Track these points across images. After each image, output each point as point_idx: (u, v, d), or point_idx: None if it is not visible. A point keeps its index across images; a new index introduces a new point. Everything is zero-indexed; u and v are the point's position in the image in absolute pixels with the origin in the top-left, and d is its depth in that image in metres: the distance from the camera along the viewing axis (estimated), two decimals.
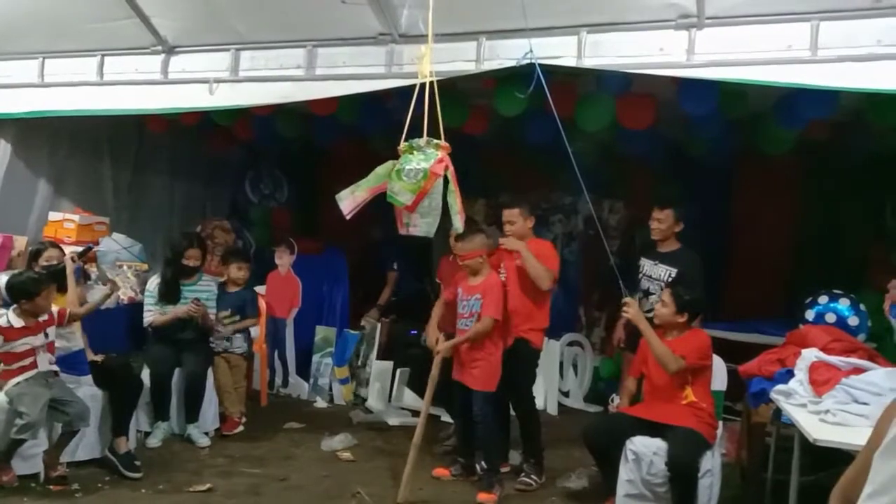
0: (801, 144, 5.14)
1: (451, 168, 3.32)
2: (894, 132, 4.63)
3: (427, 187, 3.25)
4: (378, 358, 6.20)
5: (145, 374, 4.82)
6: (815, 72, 3.52)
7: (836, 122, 4.71)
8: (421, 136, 3.33)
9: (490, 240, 4.55)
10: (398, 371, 5.93)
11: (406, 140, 3.39)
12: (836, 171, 5.95)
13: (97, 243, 5.32)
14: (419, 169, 3.23)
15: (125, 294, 5.21)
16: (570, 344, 6.60)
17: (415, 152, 3.33)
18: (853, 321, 4.40)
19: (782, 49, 3.56)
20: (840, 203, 6.03)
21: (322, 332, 6.40)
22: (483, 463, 4.39)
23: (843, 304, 4.46)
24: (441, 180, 3.30)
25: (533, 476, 4.47)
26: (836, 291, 4.57)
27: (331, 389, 6.27)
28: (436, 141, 3.30)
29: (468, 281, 4.39)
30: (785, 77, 3.60)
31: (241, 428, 5.22)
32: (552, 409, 6.18)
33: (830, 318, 4.42)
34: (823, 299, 4.53)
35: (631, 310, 4.01)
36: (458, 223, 3.45)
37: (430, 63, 3.31)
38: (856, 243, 5.94)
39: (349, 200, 3.37)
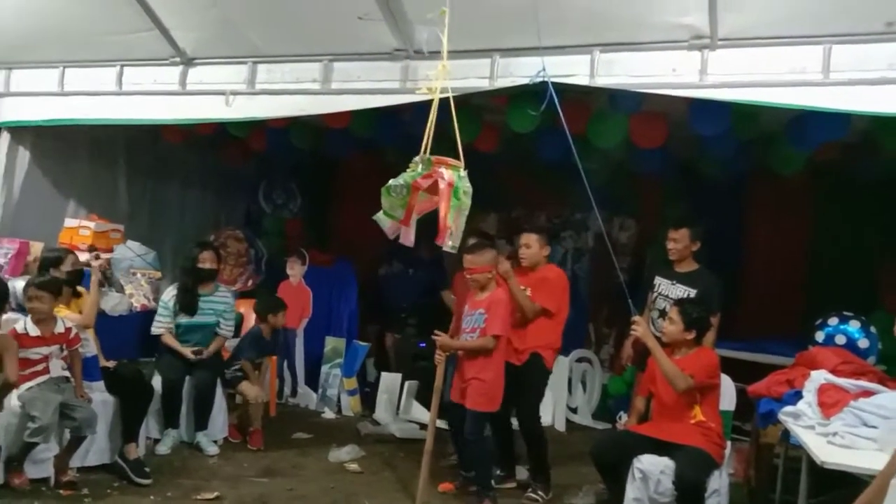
0: (812, 165, 5.15)
1: (443, 184, 3.28)
2: None
3: (412, 202, 3.27)
4: (386, 371, 6.24)
5: (156, 382, 4.85)
6: (827, 94, 3.54)
7: (847, 143, 4.71)
8: (442, 151, 3.36)
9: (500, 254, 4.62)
10: (406, 383, 5.94)
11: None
12: (848, 192, 5.94)
13: (111, 250, 5.38)
14: (403, 184, 3.26)
15: (138, 301, 5.25)
16: (579, 360, 6.61)
17: (409, 168, 3.37)
18: (863, 343, 4.38)
19: (795, 71, 3.58)
20: (851, 224, 6.02)
21: (331, 343, 6.43)
22: (476, 480, 4.38)
23: (854, 326, 4.45)
24: (453, 197, 3.29)
25: (539, 492, 4.47)
26: (846, 313, 4.55)
27: (339, 400, 6.30)
28: (427, 157, 3.31)
29: (475, 296, 4.39)
30: (797, 99, 3.62)
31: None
32: (560, 426, 6.18)
33: (840, 339, 4.40)
34: (833, 321, 4.51)
35: (640, 328, 4.01)
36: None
37: (441, 80, 3.35)
38: (867, 265, 5.92)
39: (391, 223, 3.36)
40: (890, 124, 4.04)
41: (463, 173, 3.34)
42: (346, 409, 6.27)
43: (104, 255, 4.91)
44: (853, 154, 5.01)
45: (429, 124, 3.38)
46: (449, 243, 3.26)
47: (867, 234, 5.93)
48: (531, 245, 4.60)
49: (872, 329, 4.48)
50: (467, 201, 3.35)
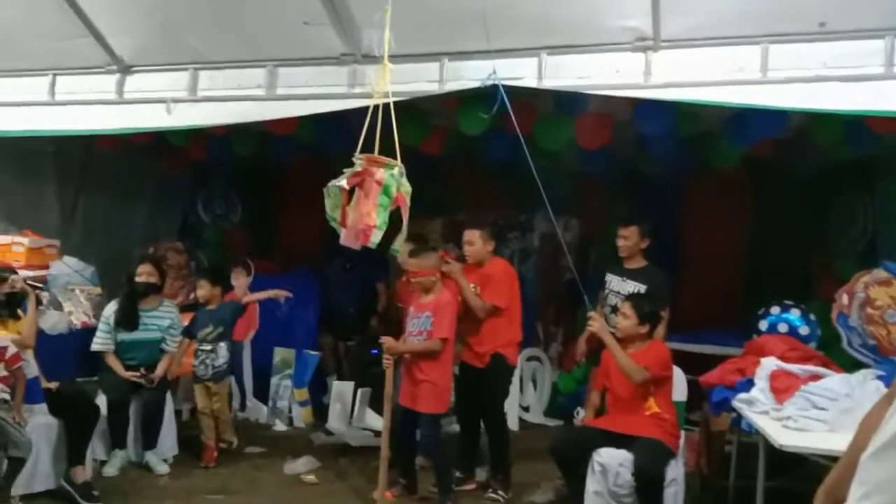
0: (748, 160, 5.34)
1: (370, 182, 3.24)
2: (836, 149, 4.85)
3: (344, 202, 3.27)
4: (339, 378, 6.17)
5: (101, 401, 4.66)
6: (764, 93, 3.69)
7: (781, 139, 4.91)
8: (390, 153, 3.34)
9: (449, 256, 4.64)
10: (359, 391, 5.88)
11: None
12: (782, 185, 6.18)
13: (47, 267, 5.16)
14: (337, 185, 3.25)
15: (78, 318, 5.06)
16: (529, 359, 6.67)
17: (346, 170, 3.36)
18: (804, 330, 4.58)
19: (734, 71, 3.72)
20: (786, 217, 6.25)
21: (280, 354, 6.31)
22: (436, 484, 4.38)
23: (795, 315, 4.64)
24: (381, 194, 3.27)
25: (500, 492, 4.50)
26: (787, 302, 4.75)
27: (290, 412, 6.20)
28: (360, 156, 3.31)
29: (419, 298, 4.38)
30: (736, 98, 3.76)
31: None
32: (513, 425, 6.21)
33: (783, 327, 4.58)
34: (776, 310, 4.70)
35: (596, 323, 4.09)
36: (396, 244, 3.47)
37: (386, 83, 3.34)
38: (801, 255, 6.17)
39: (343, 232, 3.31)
40: (823, 121, 4.24)
41: (396, 172, 3.31)
42: (298, 421, 6.17)
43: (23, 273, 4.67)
44: (787, 149, 5.22)
45: (366, 124, 3.36)
46: (373, 241, 3.23)
47: (801, 225, 6.17)
48: (474, 242, 4.61)
49: (812, 316, 4.68)
50: (406, 200, 3.32)
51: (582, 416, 4.86)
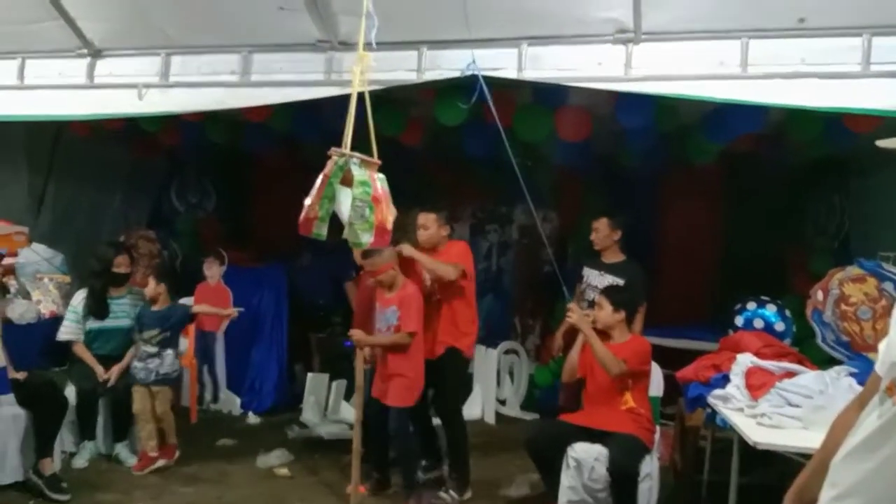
0: (726, 155, 5.34)
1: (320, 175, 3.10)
2: (813, 146, 4.86)
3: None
4: (309, 370, 6.12)
5: (70, 392, 4.58)
6: (744, 87, 3.66)
7: (760, 135, 4.91)
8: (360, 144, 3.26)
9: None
10: (334, 383, 5.83)
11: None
12: (759, 181, 6.20)
13: (15, 254, 5.04)
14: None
15: (47, 308, 4.95)
16: (507, 352, 6.65)
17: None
18: (779, 326, 4.60)
19: (714, 65, 3.68)
20: (762, 211, 6.28)
21: None
22: (402, 476, 4.36)
23: (770, 310, 4.66)
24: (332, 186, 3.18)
25: (452, 492, 4.37)
26: (763, 298, 4.76)
27: None
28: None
29: (384, 294, 4.31)
30: (716, 92, 3.73)
31: (159, 463, 4.69)
32: (490, 418, 6.21)
33: (758, 323, 4.60)
34: (751, 305, 4.72)
35: (574, 315, 4.07)
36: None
37: (363, 73, 3.25)
38: (777, 250, 6.20)
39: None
40: (801, 117, 4.24)
41: (342, 161, 3.18)
42: None
43: None
44: (765, 145, 5.22)
45: (349, 117, 3.26)
46: (316, 233, 3.12)
47: (777, 221, 6.20)
48: (429, 226, 4.40)
49: (787, 312, 4.70)
50: (348, 190, 3.19)
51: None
